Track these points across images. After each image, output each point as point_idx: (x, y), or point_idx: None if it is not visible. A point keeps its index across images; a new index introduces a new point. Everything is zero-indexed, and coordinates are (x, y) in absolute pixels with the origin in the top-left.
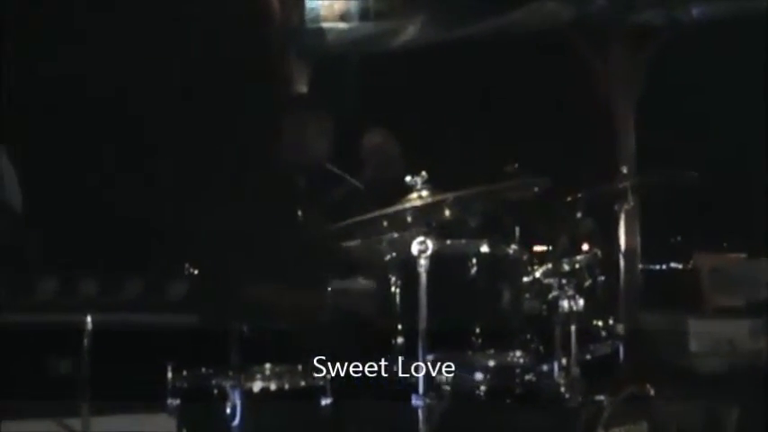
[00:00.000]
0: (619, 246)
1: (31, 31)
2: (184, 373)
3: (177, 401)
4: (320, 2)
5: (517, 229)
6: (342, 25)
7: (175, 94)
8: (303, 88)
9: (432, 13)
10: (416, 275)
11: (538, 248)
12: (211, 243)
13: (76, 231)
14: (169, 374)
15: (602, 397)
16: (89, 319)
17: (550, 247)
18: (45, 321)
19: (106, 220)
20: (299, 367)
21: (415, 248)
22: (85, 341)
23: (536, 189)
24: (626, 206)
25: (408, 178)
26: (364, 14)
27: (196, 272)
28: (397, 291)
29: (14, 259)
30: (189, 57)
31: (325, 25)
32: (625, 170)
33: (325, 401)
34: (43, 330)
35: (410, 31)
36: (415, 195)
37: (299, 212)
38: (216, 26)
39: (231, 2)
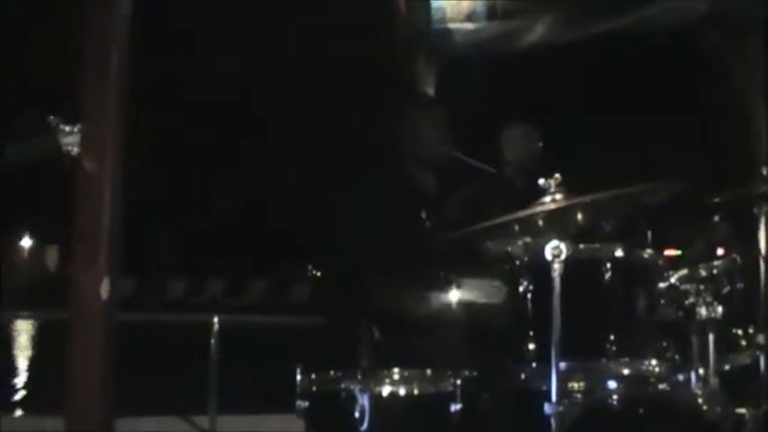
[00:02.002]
0: (759, 251)
1: (172, 36)
2: (313, 375)
3: (306, 404)
4: (447, 2)
5: (650, 234)
6: (469, 25)
7: (303, 97)
8: (430, 89)
9: (561, 11)
10: (549, 280)
11: (673, 253)
12: (338, 245)
13: (205, 235)
14: (298, 377)
15: (742, 410)
16: (216, 319)
17: (686, 252)
18: (175, 321)
19: (232, 223)
20: (428, 372)
21: (548, 253)
22: (213, 341)
23: (670, 192)
24: (766, 209)
25: (542, 181)
26: (491, 14)
27: (319, 274)
28: (529, 296)
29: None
30: (317, 58)
31: (452, 26)
32: (766, 172)
33: (454, 407)
34: (173, 329)
35: (538, 30)
36: (548, 198)
37: (429, 214)
38: (345, 28)
39: (361, 4)
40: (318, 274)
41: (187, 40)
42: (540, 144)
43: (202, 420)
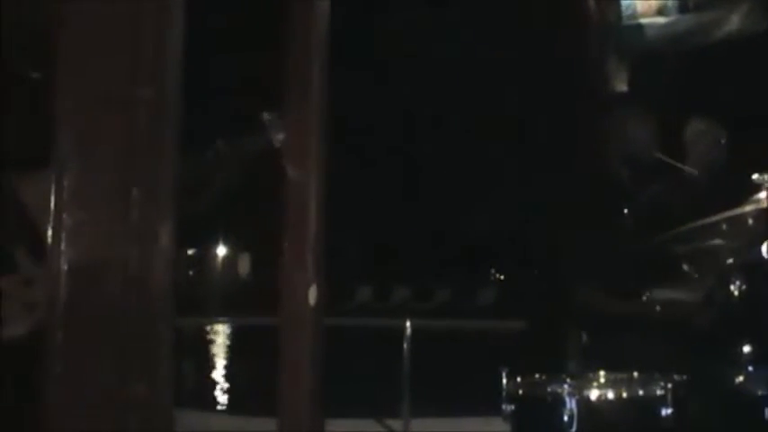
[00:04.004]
0: None
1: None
2: (519, 379)
3: (512, 407)
4: None
5: None
6: (660, 20)
7: (497, 100)
8: (624, 86)
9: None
10: (765, 280)
11: None
12: (544, 249)
13: (389, 243)
14: (504, 380)
15: None
16: (408, 323)
17: None
18: (363, 325)
19: (415, 230)
20: (636, 375)
21: (765, 251)
22: (405, 345)
23: None
24: None
25: (756, 176)
26: (683, 7)
27: (502, 277)
28: (743, 296)
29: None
30: (510, 61)
31: (644, 21)
32: None
33: (665, 411)
34: (363, 333)
35: (734, 21)
36: (763, 195)
37: (631, 215)
38: (535, 29)
39: (551, 5)
40: (520, 278)
41: (402, 45)
42: (725, 140)
43: (395, 423)
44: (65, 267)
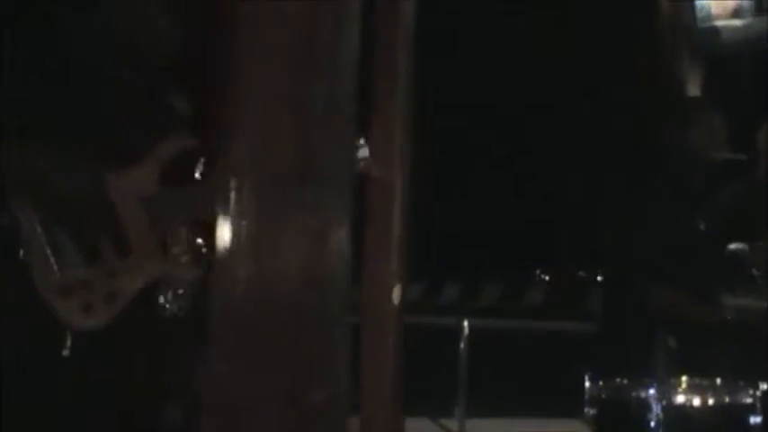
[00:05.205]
0: None
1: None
2: (600, 382)
3: (594, 411)
4: (711, 0)
5: None
6: (736, 22)
7: (566, 99)
8: (697, 90)
9: None
10: None
11: None
12: (623, 250)
13: (439, 237)
14: (587, 383)
15: None
16: (466, 323)
17: None
18: (409, 323)
19: (467, 225)
20: (719, 381)
21: None
22: (462, 344)
23: None
24: None
25: None
26: (759, 8)
27: (547, 278)
28: None
29: None
30: (581, 61)
31: (719, 23)
32: None
33: (753, 420)
34: (411, 332)
35: None
36: None
37: (703, 217)
38: (607, 32)
39: (621, 7)
40: (544, 277)
41: (470, 40)
42: None
43: (450, 423)
44: (242, 270)
